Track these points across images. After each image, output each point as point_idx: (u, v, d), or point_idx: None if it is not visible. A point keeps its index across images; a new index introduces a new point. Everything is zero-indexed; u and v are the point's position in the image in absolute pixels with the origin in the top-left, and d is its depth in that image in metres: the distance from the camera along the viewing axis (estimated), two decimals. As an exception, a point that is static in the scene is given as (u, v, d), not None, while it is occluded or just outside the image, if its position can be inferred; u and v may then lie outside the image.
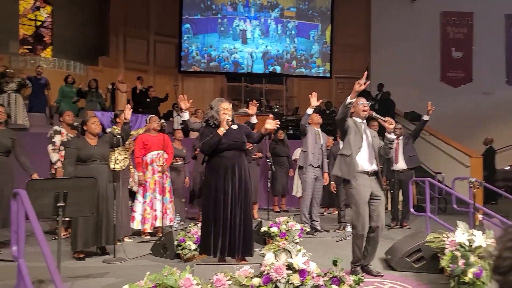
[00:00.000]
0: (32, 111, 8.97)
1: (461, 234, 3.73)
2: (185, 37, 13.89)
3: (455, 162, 9.51)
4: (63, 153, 5.38)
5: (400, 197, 6.87)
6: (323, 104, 11.59)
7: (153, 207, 5.59)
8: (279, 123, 3.95)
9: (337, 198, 6.54)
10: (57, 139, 5.34)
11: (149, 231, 5.61)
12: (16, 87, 8.17)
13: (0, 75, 8.26)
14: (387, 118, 3.98)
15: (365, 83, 3.76)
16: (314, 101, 5.61)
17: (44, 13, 13.16)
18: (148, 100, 10.00)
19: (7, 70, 8.49)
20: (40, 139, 6.26)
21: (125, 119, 4.72)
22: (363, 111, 4.04)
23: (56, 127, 5.50)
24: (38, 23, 13.06)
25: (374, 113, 4.11)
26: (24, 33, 12.86)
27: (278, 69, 14.14)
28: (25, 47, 12.83)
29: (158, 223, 5.57)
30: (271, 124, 3.84)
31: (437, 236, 4.00)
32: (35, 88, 9.08)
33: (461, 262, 3.52)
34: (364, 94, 11.94)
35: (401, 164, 6.66)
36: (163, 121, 5.70)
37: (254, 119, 5.48)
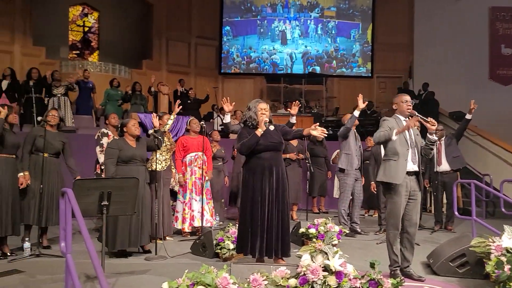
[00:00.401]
0: (79, 114, 9.37)
1: (507, 238, 3.58)
2: (225, 39, 14.08)
3: (504, 163, 9.11)
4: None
5: (445, 200, 6.66)
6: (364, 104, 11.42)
7: (191, 207, 5.71)
8: (326, 133, 3.93)
9: (377, 200, 6.42)
10: (105, 141, 5.58)
11: (188, 230, 5.73)
12: (64, 91, 8.58)
13: (51, 79, 8.68)
14: (429, 119, 3.88)
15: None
16: (361, 103, 5.56)
17: (92, 19, 13.75)
18: (189, 101, 10.20)
19: (56, 74, 8.92)
20: (87, 140, 6.55)
21: (154, 127, 4.83)
22: (407, 109, 3.96)
23: (104, 130, 5.73)
24: (86, 29, 13.66)
25: (416, 113, 4.01)
26: (73, 38, 13.48)
27: (318, 69, 14.04)
28: (74, 52, 13.45)
29: (196, 223, 5.68)
30: (317, 132, 3.79)
31: (482, 240, 3.85)
32: (82, 91, 9.49)
33: (507, 267, 3.38)
34: (407, 93, 11.70)
35: (444, 166, 6.46)
36: (203, 122, 5.79)
37: (293, 119, 5.52)
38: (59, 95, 8.53)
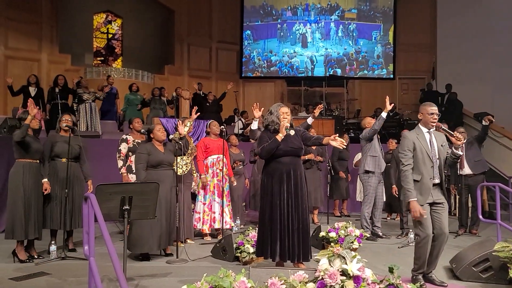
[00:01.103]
0: (103, 119, 9.58)
1: (533, 243, 3.49)
2: (246, 43, 14.17)
3: (531, 166, 8.86)
4: (132, 158, 5.74)
5: (470, 203, 6.53)
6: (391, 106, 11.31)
7: (211, 209, 5.78)
8: (345, 145, 3.93)
9: (399, 203, 6.34)
10: (123, 147, 5.71)
11: (207, 232, 5.79)
12: (93, 97, 8.82)
13: (76, 85, 8.92)
14: (455, 134, 3.77)
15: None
16: (388, 104, 5.58)
17: (115, 26, 14.05)
18: (207, 104, 10.26)
19: (82, 81, 9.16)
20: (111, 145, 6.68)
21: (179, 134, 4.90)
22: (432, 122, 3.78)
23: (123, 136, 5.85)
24: (110, 36, 13.97)
25: (442, 126, 3.90)
26: (97, 45, 13.81)
27: (339, 71, 13.97)
28: (98, 58, 13.77)
29: (216, 225, 5.75)
30: (337, 143, 3.78)
31: (506, 245, 3.77)
32: (106, 97, 9.70)
33: (532, 273, 3.29)
34: (432, 94, 11.51)
35: (467, 170, 6.33)
36: (223, 126, 5.84)
37: (310, 120, 5.64)
38: (88, 102, 8.75)
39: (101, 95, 9.09)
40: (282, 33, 14.14)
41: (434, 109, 3.78)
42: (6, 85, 8.84)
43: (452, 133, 3.77)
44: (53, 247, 4.66)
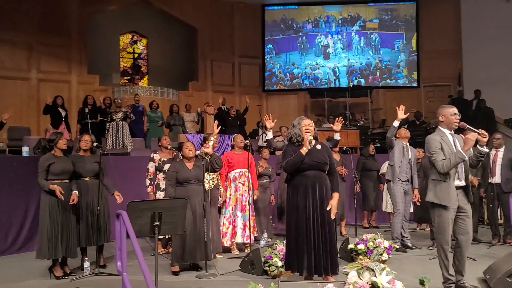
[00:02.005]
0: (131, 136, 9.81)
1: None
2: (268, 57, 14.30)
3: None
4: (159, 175, 5.88)
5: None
6: (412, 115, 11.18)
7: (232, 223, 5.82)
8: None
9: (428, 213, 6.23)
10: (150, 165, 5.88)
11: (227, 245, 5.81)
12: (122, 116, 9.07)
13: (109, 105, 9.21)
14: (480, 131, 3.74)
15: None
16: (401, 113, 5.52)
17: (141, 46, 14.45)
18: (230, 118, 10.38)
19: (116, 101, 9.45)
20: (139, 162, 6.85)
21: (206, 153, 4.97)
22: (455, 122, 3.81)
23: (151, 155, 6.01)
24: (136, 55, 14.36)
25: (466, 125, 3.87)
26: (124, 65, 14.21)
27: (362, 81, 13.92)
28: (125, 78, 14.15)
29: (237, 240, 5.79)
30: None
31: (542, 255, 3.67)
32: (134, 115, 9.95)
33: None
34: (460, 101, 11.31)
35: (498, 178, 6.17)
36: (247, 141, 5.89)
37: (337, 136, 5.53)
38: (118, 120, 9.01)
39: (127, 111, 9.27)
40: (303, 46, 14.22)
41: (455, 109, 3.84)
42: (38, 107, 9.21)
43: (477, 130, 3.74)
44: (86, 263, 4.79)
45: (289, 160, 3.91)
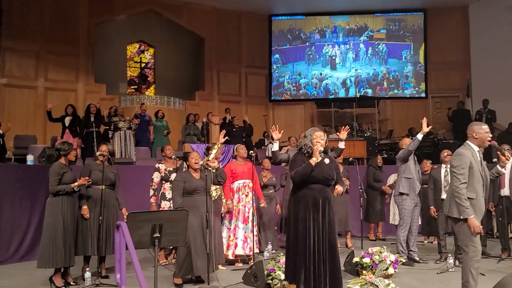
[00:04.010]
0: (137, 146, 9.81)
1: None
2: (275, 67, 14.30)
3: None
4: (165, 185, 5.83)
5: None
6: (419, 126, 11.06)
7: (235, 234, 5.74)
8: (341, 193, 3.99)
9: (436, 226, 6.12)
10: (155, 176, 5.82)
11: (231, 258, 5.72)
12: (128, 125, 9.07)
13: (113, 114, 9.21)
14: (506, 153, 3.77)
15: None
16: (425, 126, 5.49)
17: (148, 55, 14.53)
18: (234, 129, 10.34)
19: (119, 109, 9.46)
20: (144, 171, 6.81)
21: (211, 167, 4.93)
22: (489, 141, 3.87)
23: (156, 165, 5.96)
24: (143, 65, 14.43)
25: (496, 144, 3.90)
26: (131, 74, 14.29)
27: (370, 92, 13.85)
28: (132, 87, 14.21)
29: (238, 251, 5.70)
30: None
31: (553, 271, 3.55)
32: (140, 124, 9.96)
33: None
34: (463, 113, 11.19)
35: (507, 190, 6.03)
36: (252, 151, 5.82)
37: (342, 145, 5.45)
38: (123, 129, 9.00)
39: (131, 120, 9.27)
40: (310, 56, 14.20)
41: (487, 128, 3.91)
42: (45, 116, 9.23)
43: (504, 152, 3.75)
44: (87, 274, 4.72)
45: (298, 170, 3.82)
